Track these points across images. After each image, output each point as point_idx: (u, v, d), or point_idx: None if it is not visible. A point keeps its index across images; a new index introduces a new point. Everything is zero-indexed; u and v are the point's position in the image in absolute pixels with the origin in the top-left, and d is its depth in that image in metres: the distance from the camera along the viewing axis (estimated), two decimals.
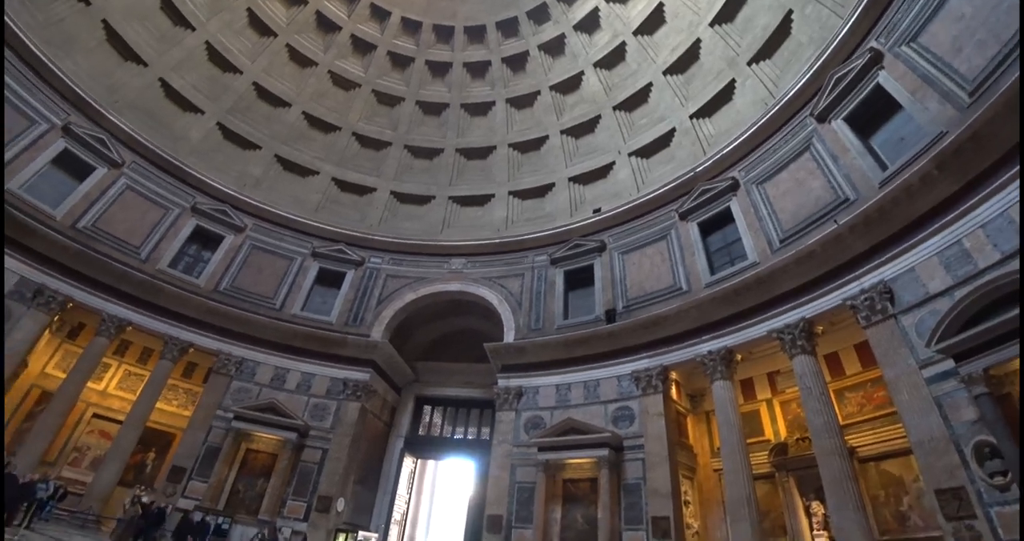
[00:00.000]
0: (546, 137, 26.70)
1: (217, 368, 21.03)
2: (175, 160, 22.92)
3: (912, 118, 14.12)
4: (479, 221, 26.74)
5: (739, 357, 17.05)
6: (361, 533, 19.01)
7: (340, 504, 19.65)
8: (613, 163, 24.43)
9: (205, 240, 23.28)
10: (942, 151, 12.32)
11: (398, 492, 24.45)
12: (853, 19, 15.89)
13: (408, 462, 25.75)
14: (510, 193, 26.77)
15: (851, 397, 15.95)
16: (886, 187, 13.78)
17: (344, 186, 27.38)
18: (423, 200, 27.67)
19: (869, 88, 15.36)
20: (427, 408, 26.78)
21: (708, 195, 19.72)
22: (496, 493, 18.73)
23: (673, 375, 18.48)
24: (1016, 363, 10.43)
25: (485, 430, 24.67)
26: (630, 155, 23.94)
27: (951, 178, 12.37)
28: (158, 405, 20.73)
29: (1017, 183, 11.29)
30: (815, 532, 15.35)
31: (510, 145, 27.42)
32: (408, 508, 27.18)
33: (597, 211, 23.62)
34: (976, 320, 10.92)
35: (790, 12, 18.66)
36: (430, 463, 31.80)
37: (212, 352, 21.17)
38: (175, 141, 23.44)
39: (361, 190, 27.52)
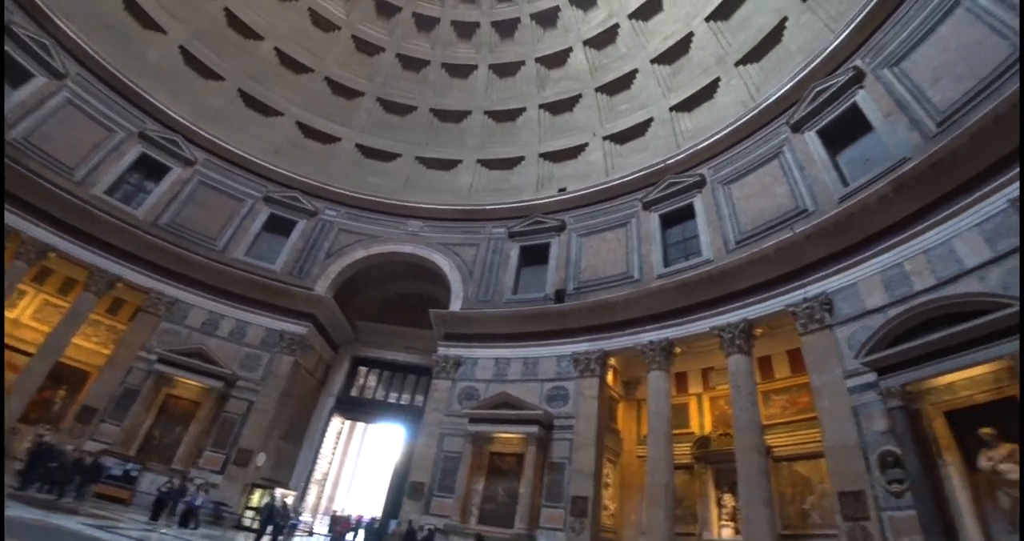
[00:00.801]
0: (523, 109, 26.25)
1: (146, 306, 19.89)
2: (127, 79, 21.27)
3: (881, 140, 14.49)
4: (443, 185, 26.23)
5: (678, 350, 17.43)
6: (279, 490, 18.66)
7: (260, 459, 19.21)
8: (586, 144, 24.28)
9: (150, 169, 21.75)
10: (903, 175, 12.77)
11: (322, 451, 24.27)
12: (844, 35, 16.06)
13: (336, 422, 25.52)
14: (478, 161, 26.32)
15: (776, 399, 16.64)
16: (845, 202, 14.21)
17: (308, 132, 26.26)
18: (389, 157, 26.88)
19: (846, 105, 15.67)
20: (363, 369, 26.49)
21: (674, 188, 19.87)
22: (422, 460, 18.74)
23: (612, 361, 18.79)
24: (929, 383, 11.07)
25: (419, 398, 24.62)
26: (605, 139, 23.84)
27: (906, 202, 12.81)
28: (75, 340, 19.35)
29: (962, 215, 11.84)
30: (722, 522, 16.18)
31: (486, 112, 26.83)
32: (331, 468, 27.05)
33: (563, 190, 23.51)
34: (903, 339, 11.49)
35: (785, 19, 18.80)
36: (359, 425, 31.69)
37: (143, 289, 19.98)
38: (130, 59, 21.74)
39: (326, 138, 26.47)
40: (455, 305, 21.98)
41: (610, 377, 18.96)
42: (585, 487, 16.02)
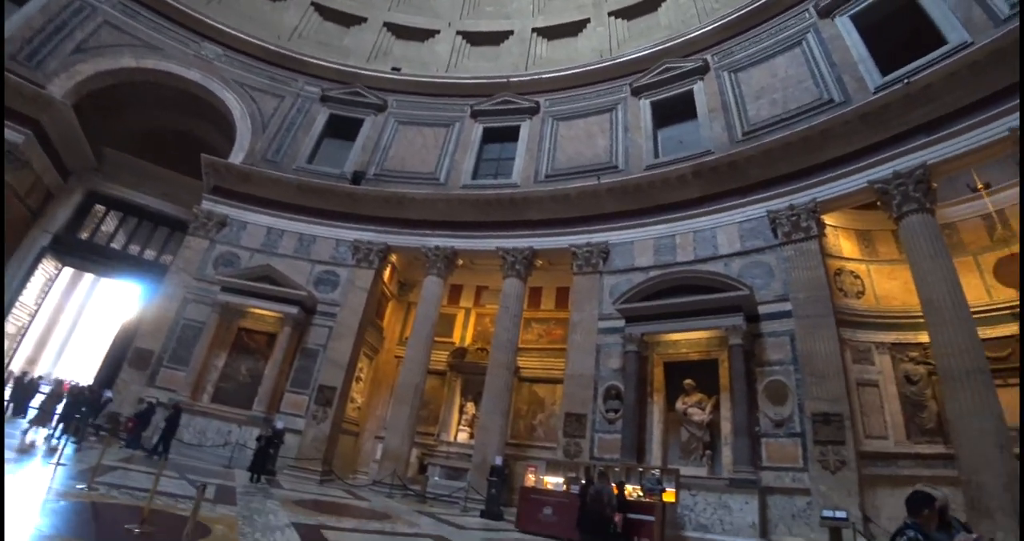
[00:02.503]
0: None
1: None
2: None
3: (698, 129, 16.24)
4: (261, 16, 21.57)
5: (461, 262, 17.68)
6: None
7: None
8: (438, 32, 22.29)
9: None
10: (704, 164, 14.62)
11: (22, 300, 19.08)
12: (708, 29, 17.32)
13: (50, 267, 20.13)
14: (312, 3, 22.26)
15: (536, 327, 18.23)
16: (650, 171, 15.69)
17: None
18: None
19: (683, 90, 17.11)
20: (101, 209, 21.18)
21: (508, 107, 19.60)
22: (155, 325, 15.99)
23: (393, 257, 18.28)
24: (662, 337, 13.17)
25: (170, 257, 20.69)
26: (458, 33, 22.16)
27: (699, 186, 14.68)
28: None
29: (732, 212, 13.99)
30: (460, 427, 17.41)
31: None
32: (32, 322, 21.36)
33: (396, 70, 21.37)
34: (655, 297, 13.23)
35: None
36: (87, 277, 25.73)
37: None
38: None
39: None
40: (236, 157, 18.66)
41: (386, 274, 18.49)
42: (336, 377, 15.56)
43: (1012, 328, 11.78)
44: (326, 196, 18.21)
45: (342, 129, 20.40)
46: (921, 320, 12.20)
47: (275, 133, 19.72)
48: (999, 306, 12.18)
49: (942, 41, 12.28)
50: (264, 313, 16.20)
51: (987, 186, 12.74)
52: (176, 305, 16.28)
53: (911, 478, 11.00)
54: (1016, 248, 12.27)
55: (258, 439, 11.91)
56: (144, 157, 21.40)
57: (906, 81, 11.81)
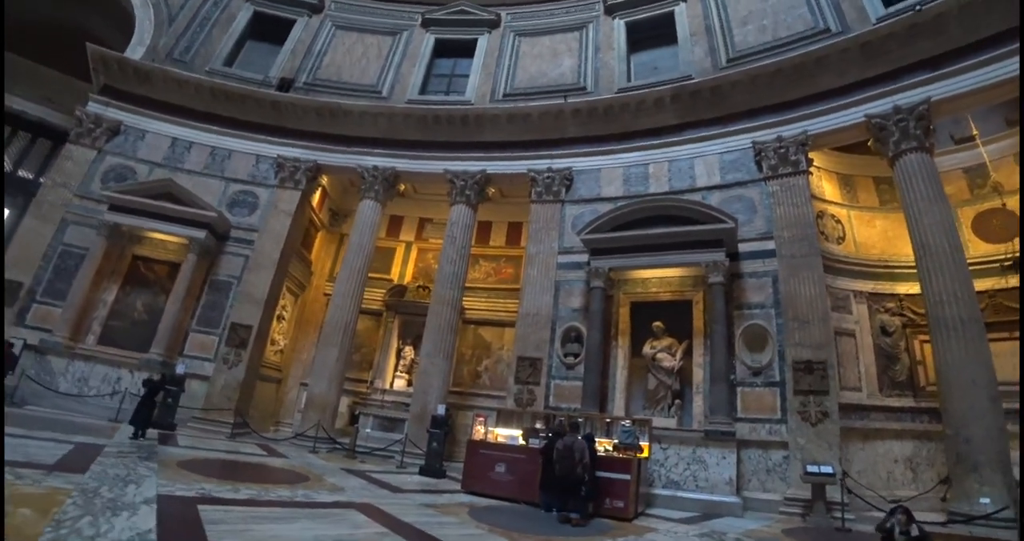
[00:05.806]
0: None
1: None
2: None
3: (676, 55, 14.56)
4: None
5: (403, 187, 15.56)
6: None
7: None
8: None
9: None
10: (683, 87, 13.03)
11: None
12: None
13: None
14: None
15: (484, 265, 16.43)
16: (622, 93, 13.96)
17: None
18: None
19: (664, 11, 15.30)
20: None
21: (463, 17, 17.13)
22: (24, 251, 13.02)
23: (324, 179, 15.95)
24: (629, 274, 11.80)
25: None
26: None
27: (677, 112, 13.11)
28: None
29: (713, 142, 12.53)
30: (397, 373, 15.53)
31: None
32: None
33: None
34: (625, 228, 11.62)
35: None
36: None
37: None
38: None
39: None
40: (135, 53, 15.33)
41: (316, 198, 16.15)
42: (252, 314, 13.33)
43: (988, 283, 11.26)
44: (246, 104, 15.40)
45: (268, 31, 17.46)
46: (899, 270, 11.85)
47: (184, 29, 16.55)
48: (976, 260, 11.51)
49: None
50: (165, 238, 13.63)
51: (971, 138, 12.00)
52: (51, 227, 13.38)
53: (880, 431, 10.61)
54: (998, 203, 11.67)
55: (144, 383, 9.64)
56: (21, 52, 17.39)
57: (918, 7, 10.53)
